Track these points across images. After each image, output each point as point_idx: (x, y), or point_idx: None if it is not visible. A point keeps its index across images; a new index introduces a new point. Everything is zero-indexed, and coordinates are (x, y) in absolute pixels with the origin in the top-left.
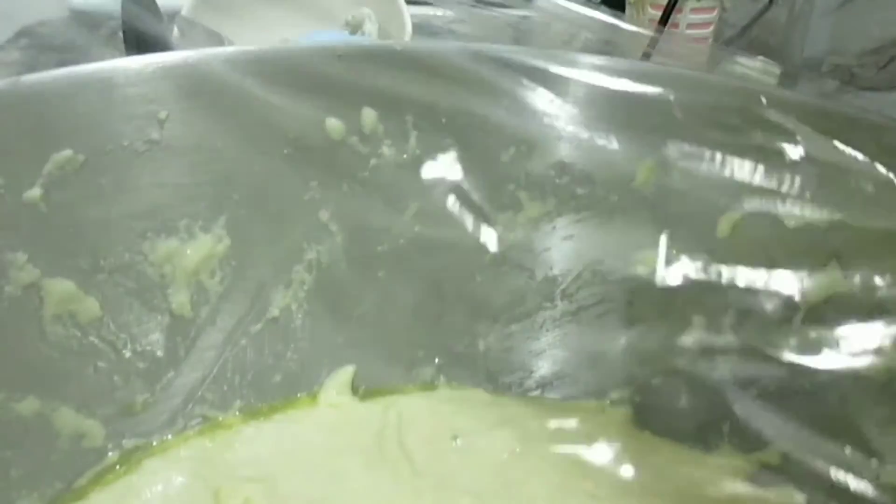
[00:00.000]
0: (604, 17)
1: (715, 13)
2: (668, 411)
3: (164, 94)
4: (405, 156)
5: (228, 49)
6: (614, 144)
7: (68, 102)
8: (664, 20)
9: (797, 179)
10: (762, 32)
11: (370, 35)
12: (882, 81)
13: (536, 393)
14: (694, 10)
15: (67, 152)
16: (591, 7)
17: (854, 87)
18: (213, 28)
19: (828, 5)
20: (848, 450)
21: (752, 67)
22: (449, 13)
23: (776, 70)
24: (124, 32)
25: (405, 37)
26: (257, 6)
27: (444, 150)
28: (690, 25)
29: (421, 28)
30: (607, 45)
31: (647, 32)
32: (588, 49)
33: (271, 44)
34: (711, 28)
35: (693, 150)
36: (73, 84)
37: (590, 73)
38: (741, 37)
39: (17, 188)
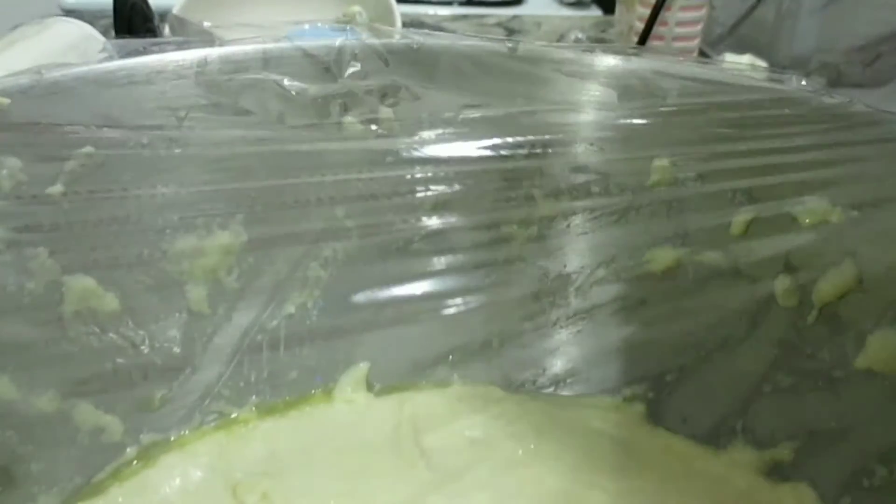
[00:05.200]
0: (594, 15)
1: (703, 11)
2: (681, 408)
3: (184, 91)
4: (420, 153)
5: (247, 46)
6: (629, 143)
7: (89, 99)
8: (653, 18)
9: (811, 177)
10: (750, 31)
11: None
12: (868, 79)
13: (550, 390)
14: (683, 9)
15: (88, 149)
16: (581, 6)
17: (841, 85)
18: (204, 26)
19: (815, 4)
20: (860, 447)
21: (740, 65)
22: (440, 12)
23: (764, 67)
24: (116, 31)
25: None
26: (247, 4)
27: (459, 146)
28: (679, 24)
29: (411, 26)
30: (597, 43)
31: (636, 30)
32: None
33: (291, 41)
34: (700, 26)
35: (707, 148)
36: (93, 81)
37: (605, 70)
38: (729, 35)
39: (39, 185)
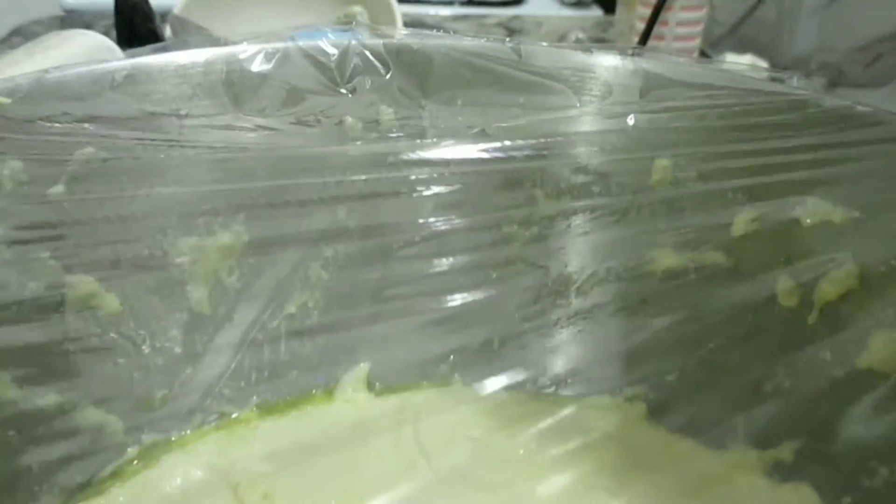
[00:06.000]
0: (594, 15)
1: (704, 11)
2: (682, 408)
3: (185, 92)
4: (422, 153)
5: (248, 47)
6: (629, 143)
7: (90, 99)
8: (654, 18)
9: (812, 177)
10: (751, 31)
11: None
12: (869, 79)
13: (551, 390)
14: (683, 9)
15: (89, 149)
16: (581, 5)
17: (842, 85)
18: (205, 26)
19: (815, 4)
20: (862, 446)
21: (741, 65)
22: (441, 12)
23: (765, 67)
24: (117, 31)
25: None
26: (248, 4)
27: (460, 147)
28: (680, 23)
29: (412, 26)
30: (598, 43)
31: (637, 30)
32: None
33: (292, 42)
34: (701, 26)
35: (708, 148)
36: (96, 82)
37: (606, 70)
38: (730, 35)
39: (40, 185)
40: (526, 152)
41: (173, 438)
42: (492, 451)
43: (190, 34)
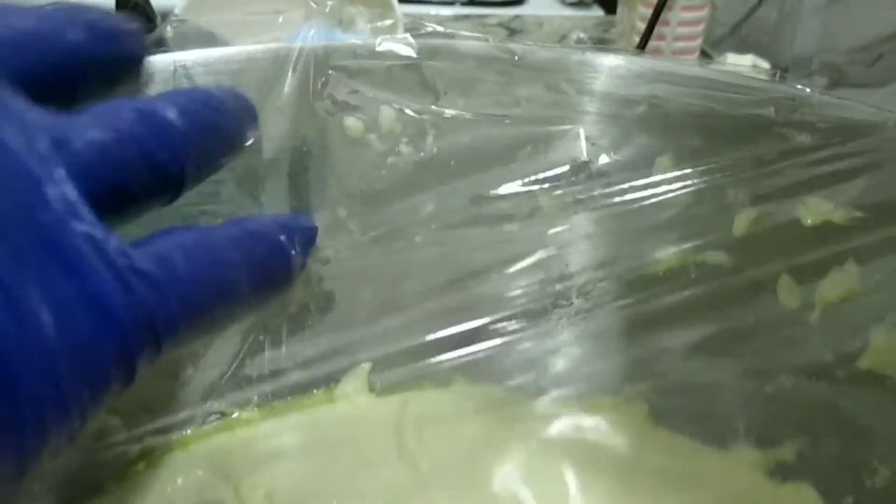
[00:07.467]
0: (595, 15)
1: (705, 11)
2: (683, 408)
3: None
4: (422, 154)
5: (249, 47)
6: (630, 142)
7: None
8: (655, 18)
9: (813, 178)
10: (753, 31)
11: (362, 33)
12: (871, 79)
13: (552, 390)
14: (685, 9)
15: None
16: (583, 6)
17: (843, 85)
18: (206, 27)
19: (817, 4)
20: (863, 447)
21: (742, 66)
22: (442, 12)
23: (766, 68)
24: None
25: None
26: (250, 5)
27: (461, 148)
28: (681, 23)
29: (413, 27)
30: (599, 43)
31: (638, 30)
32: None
33: (292, 42)
34: (702, 26)
35: (709, 148)
36: None
37: (607, 70)
38: (732, 35)
39: None
40: (526, 150)
41: (174, 438)
42: (493, 451)
43: (191, 35)
